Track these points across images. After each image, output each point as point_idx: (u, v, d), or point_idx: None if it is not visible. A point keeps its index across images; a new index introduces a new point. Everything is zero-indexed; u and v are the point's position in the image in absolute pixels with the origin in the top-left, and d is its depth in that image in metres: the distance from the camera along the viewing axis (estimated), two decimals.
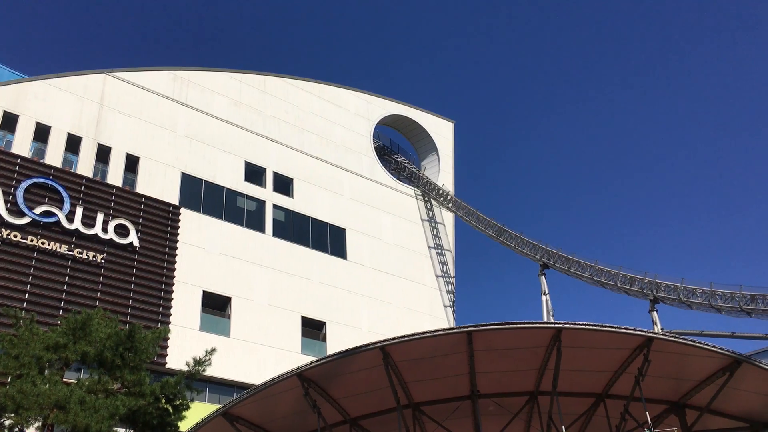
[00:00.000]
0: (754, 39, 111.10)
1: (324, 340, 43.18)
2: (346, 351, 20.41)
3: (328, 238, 47.51)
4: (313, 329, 43.23)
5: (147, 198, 38.48)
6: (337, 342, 41.69)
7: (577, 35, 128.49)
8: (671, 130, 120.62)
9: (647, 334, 20.82)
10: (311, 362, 20.83)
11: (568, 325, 20.14)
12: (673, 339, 21.29)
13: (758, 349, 46.44)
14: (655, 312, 44.02)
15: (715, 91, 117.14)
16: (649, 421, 21.19)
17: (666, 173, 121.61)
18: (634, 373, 21.10)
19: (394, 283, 49.75)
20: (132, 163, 39.83)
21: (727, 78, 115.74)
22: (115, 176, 38.52)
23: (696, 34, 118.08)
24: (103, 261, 35.02)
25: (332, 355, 20.84)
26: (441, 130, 61.48)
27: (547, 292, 48.88)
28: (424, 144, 61.27)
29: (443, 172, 58.92)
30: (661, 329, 41.62)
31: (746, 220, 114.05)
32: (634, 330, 20.38)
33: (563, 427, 21.18)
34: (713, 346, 20.82)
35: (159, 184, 39.93)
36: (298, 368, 20.76)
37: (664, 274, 44.56)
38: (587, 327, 20.14)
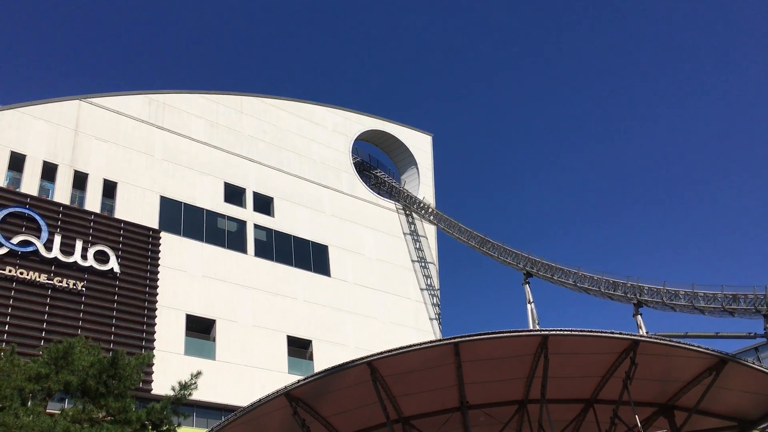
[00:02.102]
0: (734, 43, 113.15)
1: (311, 358, 42.89)
2: (333, 368, 20.23)
3: (310, 256, 47.35)
4: (299, 348, 42.94)
5: (126, 223, 38.14)
6: (324, 360, 41.45)
7: (555, 44, 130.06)
8: (649, 136, 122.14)
9: (633, 337, 20.84)
10: (298, 381, 20.62)
11: (554, 332, 20.12)
12: (658, 341, 21.35)
13: (743, 348, 46.86)
14: (639, 316, 44.27)
15: (694, 95, 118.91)
16: (639, 425, 21.20)
17: (643, 178, 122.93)
18: (622, 377, 21.12)
19: (378, 298, 49.63)
20: (110, 189, 39.50)
21: (698, 83, 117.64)
22: (92, 202, 38.17)
23: (678, 39, 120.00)
24: (83, 288, 34.61)
25: (319, 373, 20.64)
26: (419, 144, 61.70)
27: (531, 300, 49.00)
28: (403, 158, 61.45)
29: (423, 185, 59.07)
30: (646, 332, 41.84)
31: (725, 220, 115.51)
32: (620, 334, 20.41)
33: None
34: (698, 347, 20.92)
35: (138, 208, 39.61)
36: (286, 387, 20.53)
37: (647, 278, 45.01)
38: (573, 333, 20.15)
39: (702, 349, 20.85)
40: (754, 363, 22.51)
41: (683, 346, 20.98)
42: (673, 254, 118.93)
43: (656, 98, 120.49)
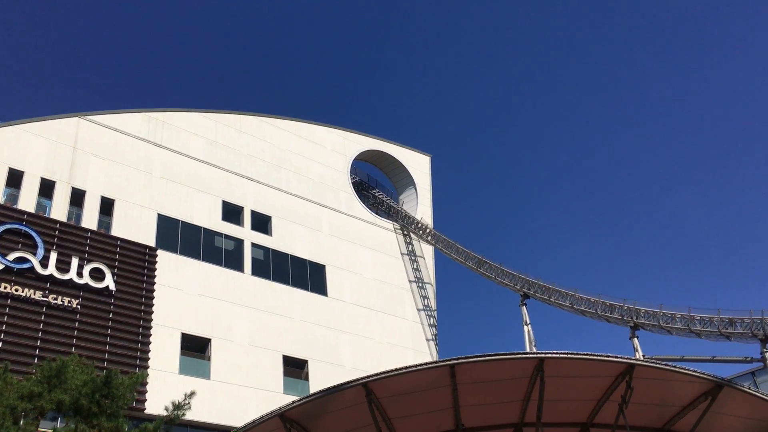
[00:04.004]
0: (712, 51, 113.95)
1: (306, 378, 42.65)
2: (328, 389, 20.18)
3: (307, 275, 47.25)
4: (295, 368, 42.70)
5: (123, 241, 38.09)
6: (319, 380, 41.18)
7: (552, 66, 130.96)
8: (647, 162, 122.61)
9: (629, 360, 20.86)
10: (293, 402, 20.57)
11: (550, 355, 20.13)
12: (654, 365, 21.35)
13: (739, 372, 46.67)
14: (635, 338, 44.12)
15: (688, 118, 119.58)
16: None
17: (642, 204, 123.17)
18: (618, 401, 21.07)
19: (375, 319, 49.47)
20: (107, 206, 39.49)
21: (694, 114, 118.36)
22: (89, 220, 38.14)
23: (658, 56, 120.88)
24: (78, 306, 34.45)
25: (314, 394, 20.59)
26: (418, 164, 61.89)
27: (528, 322, 48.84)
28: (402, 178, 61.59)
29: (421, 206, 59.15)
30: (643, 356, 41.71)
31: (723, 245, 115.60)
32: (616, 357, 20.41)
33: None
34: (694, 371, 20.91)
35: (135, 226, 39.58)
36: (280, 408, 20.47)
37: (643, 301, 44.92)
38: (569, 356, 20.15)
39: (698, 374, 20.83)
40: (750, 388, 22.51)
41: (679, 370, 20.97)
42: (669, 278, 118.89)
43: (653, 126, 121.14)
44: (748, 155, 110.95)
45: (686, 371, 20.86)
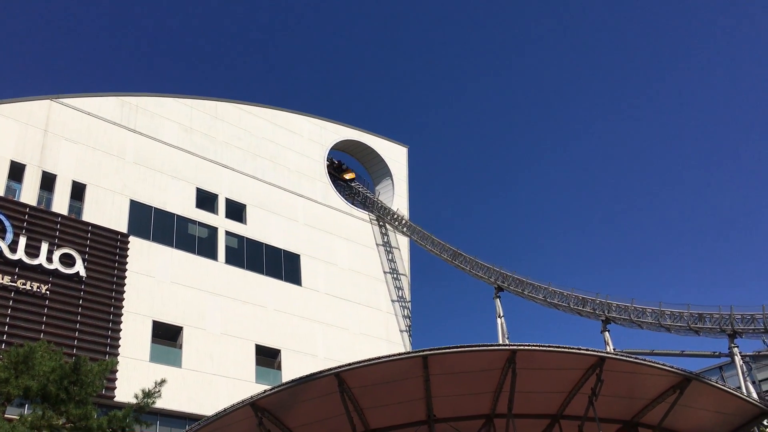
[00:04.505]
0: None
1: (279, 368, 42.52)
2: (301, 378, 20.06)
3: (282, 265, 47.03)
4: (267, 357, 42.55)
5: (94, 226, 37.52)
6: (292, 370, 41.09)
7: (529, 59, 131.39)
8: (623, 157, 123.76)
9: (599, 353, 21.02)
10: (265, 391, 20.40)
11: (522, 347, 20.20)
12: (624, 358, 21.54)
13: (707, 366, 47.52)
14: (607, 332, 44.70)
15: (658, 113, 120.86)
16: None
17: (612, 200, 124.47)
18: (588, 393, 21.24)
19: (349, 309, 49.43)
20: (78, 191, 38.88)
21: (659, 108, 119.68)
22: (60, 204, 37.53)
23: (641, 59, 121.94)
24: (47, 292, 33.92)
25: (286, 383, 20.44)
26: (394, 155, 61.83)
27: (502, 314, 49.18)
28: (378, 169, 61.49)
29: (397, 197, 59.14)
30: (613, 349, 42.22)
31: (694, 242, 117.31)
32: (587, 350, 20.56)
33: None
34: (663, 365, 21.13)
35: (107, 211, 39.03)
36: (251, 397, 20.29)
37: (615, 295, 45.49)
38: (541, 348, 20.23)
39: (667, 367, 21.06)
40: (717, 382, 22.81)
41: (649, 363, 21.18)
42: (641, 272, 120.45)
43: (624, 124, 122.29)
44: (719, 156, 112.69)
45: (655, 365, 21.08)
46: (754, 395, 37.86)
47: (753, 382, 43.33)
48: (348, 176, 60.65)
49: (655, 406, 22.60)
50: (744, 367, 41.64)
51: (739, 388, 37.64)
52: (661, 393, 22.15)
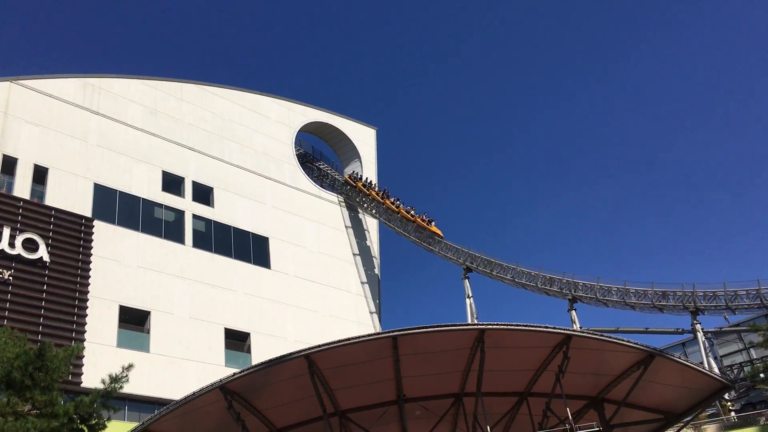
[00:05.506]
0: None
1: (249, 351, 42.40)
2: (270, 361, 20.06)
3: (250, 248, 46.75)
4: (237, 341, 42.39)
5: (57, 210, 36.80)
6: (262, 353, 40.92)
7: (496, 38, 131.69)
8: (583, 135, 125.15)
9: (566, 331, 21.39)
10: (234, 374, 20.37)
11: (490, 326, 20.45)
12: (590, 336, 21.97)
13: (671, 343, 48.68)
14: (573, 311, 45.53)
15: (621, 92, 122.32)
16: (570, 417, 21.72)
17: (578, 179, 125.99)
18: (555, 371, 21.63)
19: (319, 291, 49.41)
20: (40, 175, 38.07)
21: (620, 80, 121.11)
22: (22, 188, 36.70)
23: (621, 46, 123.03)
24: (10, 278, 33.23)
25: (256, 366, 20.43)
26: (363, 137, 61.66)
27: (471, 295, 49.70)
28: (347, 151, 61.30)
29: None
30: (580, 327, 42.98)
31: (656, 220, 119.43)
32: (554, 328, 20.90)
33: (488, 427, 21.45)
34: (628, 341, 21.60)
35: (70, 195, 38.30)
36: (221, 380, 20.26)
37: (582, 274, 46.23)
38: (509, 327, 20.52)
39: (631, 344, 21.53)
40: (680, 358, 23.40)
41: (614, 340, 21.63)
42: (606, 253, 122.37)
43: (588, 98, 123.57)
44: (679, 133, 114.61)
45: (620, 341, 21.54)
46: (716, 370, 38.90)
47: (714, 358, 44.54)
48: (435, 230, 52.79)
49: (620, 382, 23.10)
50: (706, 342, 42.76)
51: (701, 363, 38.65)
52: (625, 369, 22.64)
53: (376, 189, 56.47)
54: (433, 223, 52.89)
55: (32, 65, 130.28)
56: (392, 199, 55.02)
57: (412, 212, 53.66)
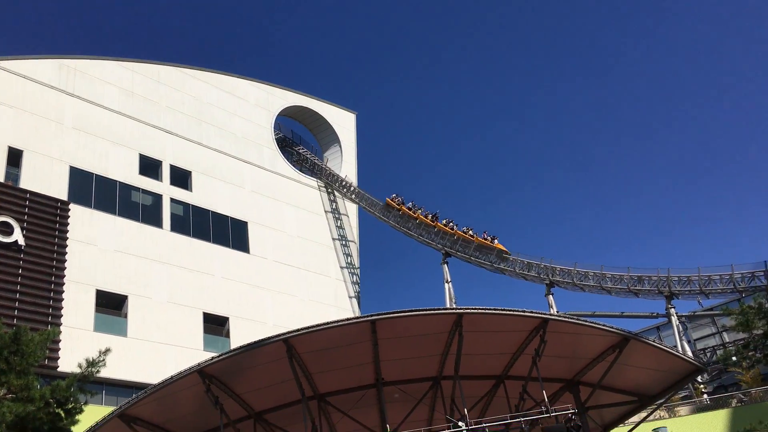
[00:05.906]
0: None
1: (227, 335, 42.35)
2: (249, 345, 20.07)
3: (229, 232, 46.56)
4: (215, 325, 42.32)
5: (32, 194, 36.32)
6: (241, 337, 40.91)
7: (481, 28, 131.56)
8: (561, 119, 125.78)
9: (543, 315, 21.67)
10: (212, 358, 20.35)
11: (468, 310, 20.64)
12: (567, 320, 22.25)
13: (645, 327, 49.38)
14: (551, 295, 46.05)
15: (605, 89, 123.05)
16: (546, 400, 22.01)
17: (556, 164, 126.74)
18: (532, 354, 21.90)
19: (298, 276, 49.40)
20: (15, 157, 37.51)
21: (596, 82, 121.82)
22: None
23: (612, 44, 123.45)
24: None
25: (234, 350, 20.43)
26: (343, 122, 61.46)
27: (449, 279, 49.98)
28: (327, 135, 61.10)
29: (346, 164, 58.96)
30: (557, 311, 43.45)
31: (633, 206, 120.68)
32: (531, 312, 21.16)
33: (465, 410, 21.69)
34: (603, 325, 21.92)
35: (45, 178, 37.82)
36: (199, 364, 20.22)
37: (559, 259, 46.73)
38: (487, 311, 20.72)
39: (606, 328, 21.86)
40: (654, 341, 23.78)
41: (589, 324, 21.94)
42: (583, 238, 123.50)
43: (574, 92, 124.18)
44: (656, 119, 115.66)
45: (596, 325, 21.85)
46: (689, 353, 39.58)
47: (688, 341, 45.35)
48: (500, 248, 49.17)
49: (596, 365, 23.46)
50: (680, 326, 43.48)
51: (675, 346, 39.29)
52: (601, 352, 22.99)
53: (424, 212, 53.00)
54: (496, 240, 49.29)
55: (7, 46, 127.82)
56: (444, 221, 51.90)
57: (470, 232, 50.47)
